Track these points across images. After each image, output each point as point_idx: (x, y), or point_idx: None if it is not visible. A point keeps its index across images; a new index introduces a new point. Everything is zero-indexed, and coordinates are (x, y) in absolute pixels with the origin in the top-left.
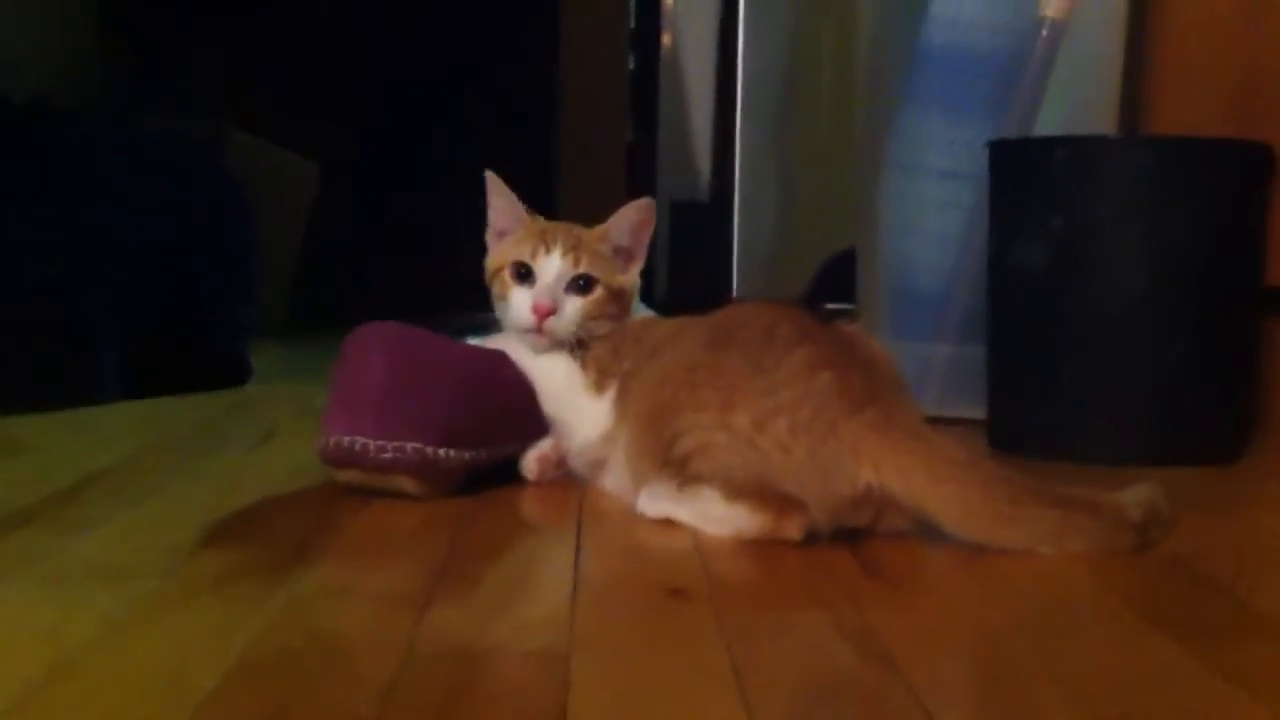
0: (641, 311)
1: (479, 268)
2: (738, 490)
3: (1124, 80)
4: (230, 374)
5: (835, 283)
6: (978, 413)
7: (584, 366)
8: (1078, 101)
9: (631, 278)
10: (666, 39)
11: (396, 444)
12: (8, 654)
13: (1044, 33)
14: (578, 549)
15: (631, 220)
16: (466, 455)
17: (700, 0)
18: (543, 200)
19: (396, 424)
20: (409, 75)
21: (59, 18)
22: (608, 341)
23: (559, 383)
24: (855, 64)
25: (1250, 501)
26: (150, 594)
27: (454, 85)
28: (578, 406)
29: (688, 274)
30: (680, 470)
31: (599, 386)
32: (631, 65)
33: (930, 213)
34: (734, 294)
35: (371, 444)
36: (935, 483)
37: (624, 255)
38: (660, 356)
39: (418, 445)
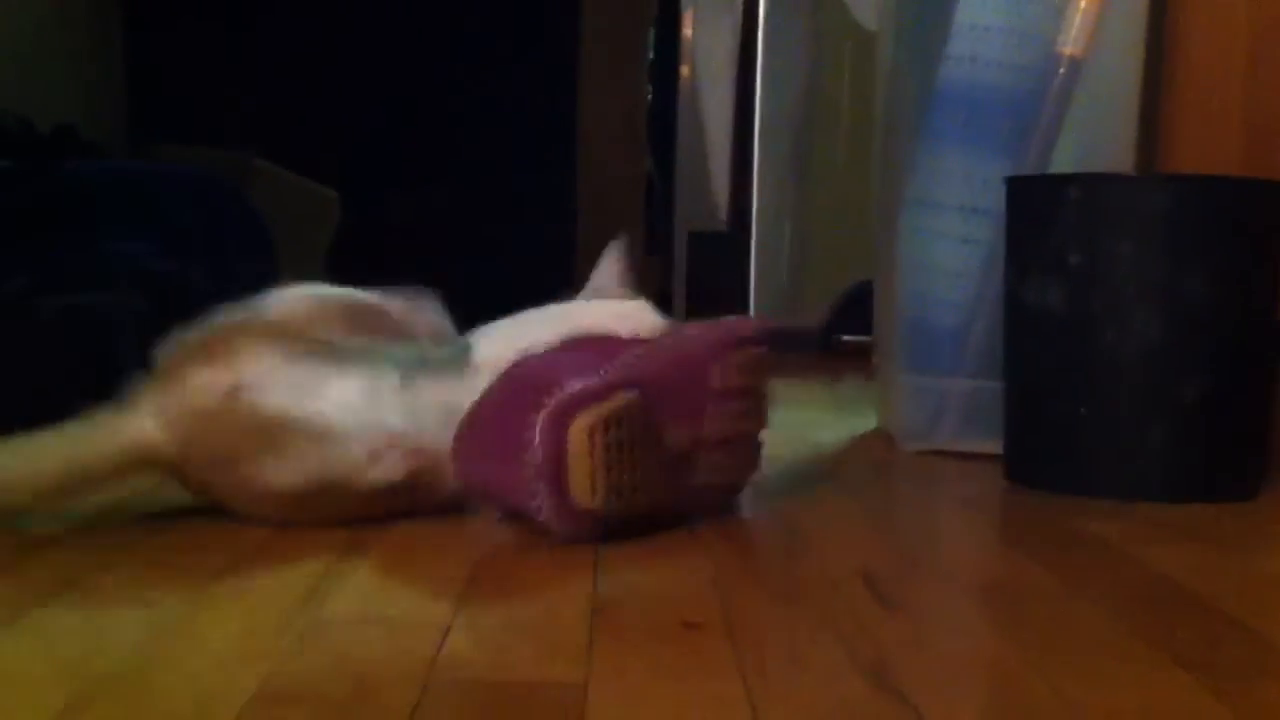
0: None
1: (500, 297)
2: None
3: (1141, 119)
4: None
5: (853, 314)
6: (995, 447)
7: None
8: (1095, 139)
9: None
10: (685, 71)
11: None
12: (40, 682)
13: (1061, 70)
14: (595, 581)
15: None
16: None
17: (719, 32)
18: (562, 231)
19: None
20: (427, 107)
21: (85, 47)
22: None
23: None
24: (873, 97)
25: (1268, 538)
26: (177, 619)
27: (473, 117)
28: None
29: (705, 304)
30: None
31: None
32: (650, 97)
33: (948, 248)
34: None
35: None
36: None
37: None
38: None
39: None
